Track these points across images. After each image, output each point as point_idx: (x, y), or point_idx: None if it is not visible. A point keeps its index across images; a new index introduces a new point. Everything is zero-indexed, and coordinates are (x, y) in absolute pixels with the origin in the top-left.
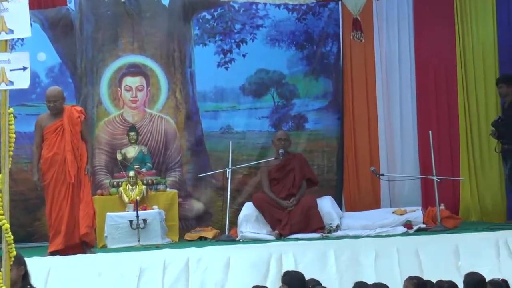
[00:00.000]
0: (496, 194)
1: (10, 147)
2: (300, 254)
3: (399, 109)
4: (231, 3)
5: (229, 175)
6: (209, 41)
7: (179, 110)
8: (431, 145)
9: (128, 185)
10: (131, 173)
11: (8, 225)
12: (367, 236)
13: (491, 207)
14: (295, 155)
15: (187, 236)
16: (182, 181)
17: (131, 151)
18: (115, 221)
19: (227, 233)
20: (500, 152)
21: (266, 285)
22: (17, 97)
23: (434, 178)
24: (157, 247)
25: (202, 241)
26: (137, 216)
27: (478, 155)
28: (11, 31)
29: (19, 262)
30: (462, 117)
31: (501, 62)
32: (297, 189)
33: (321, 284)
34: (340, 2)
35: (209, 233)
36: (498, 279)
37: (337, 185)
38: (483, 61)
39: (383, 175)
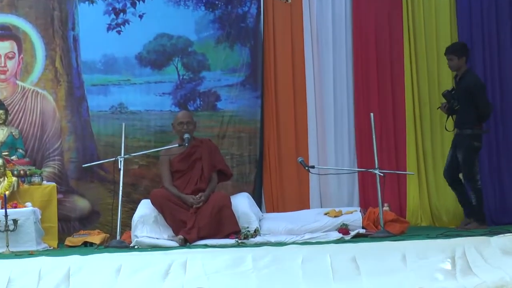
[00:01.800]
0: (451, 192)
1: None
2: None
3: (333, 86)
4: None
5: (121, 166)
6: None
7: (60, 84)
8: (373, 130)
9: None
10: None
11: None
12: (293, 243)
13: (444, 209)
14: (202, 141)
15: (69, 241)
16: (62, 173)
17: None
18: None
19: (118, 237)
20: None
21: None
22: None
23: (377, 172)
24: (31, 254)
25: (87, 247)
26: (6, 215)
27: (429, 144)
28: None
29: None
30: (409, 96)
31: (460, 26)
32: (206, 184)
33: None
34: None
35: (96, 237)
36: None
37: (256, 180)
38: (436, 26)
39: (313, 167)
